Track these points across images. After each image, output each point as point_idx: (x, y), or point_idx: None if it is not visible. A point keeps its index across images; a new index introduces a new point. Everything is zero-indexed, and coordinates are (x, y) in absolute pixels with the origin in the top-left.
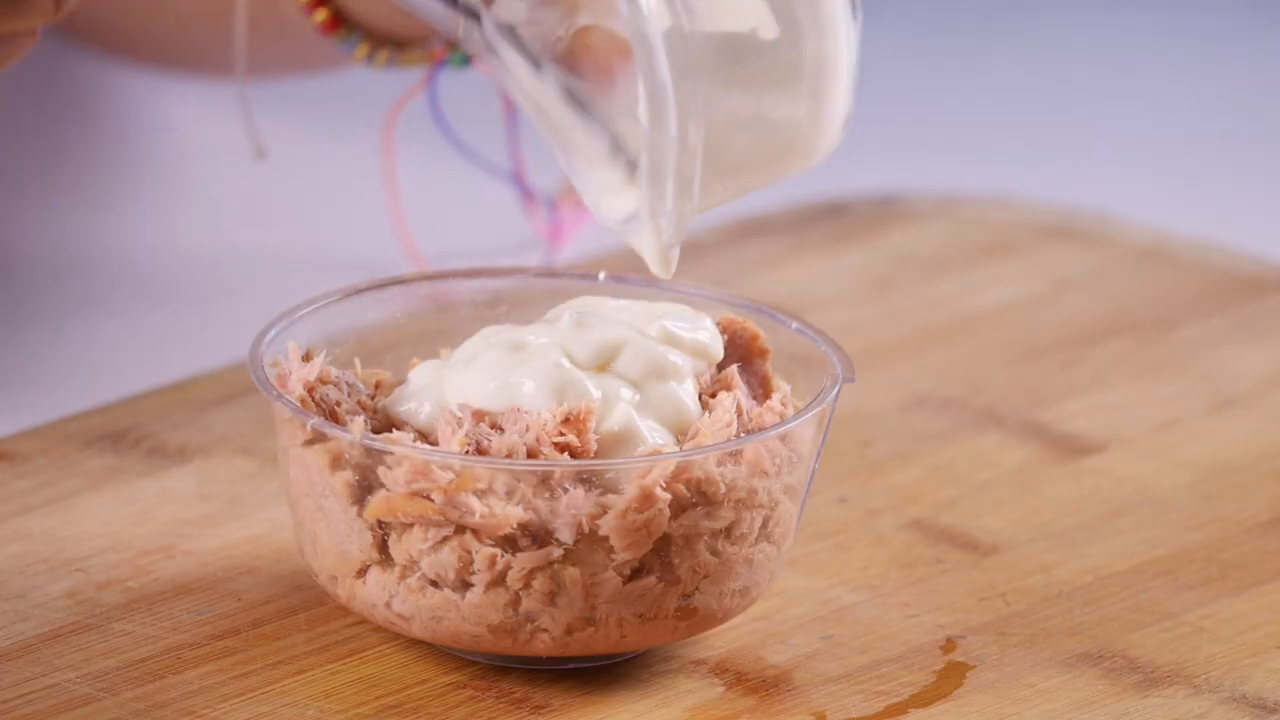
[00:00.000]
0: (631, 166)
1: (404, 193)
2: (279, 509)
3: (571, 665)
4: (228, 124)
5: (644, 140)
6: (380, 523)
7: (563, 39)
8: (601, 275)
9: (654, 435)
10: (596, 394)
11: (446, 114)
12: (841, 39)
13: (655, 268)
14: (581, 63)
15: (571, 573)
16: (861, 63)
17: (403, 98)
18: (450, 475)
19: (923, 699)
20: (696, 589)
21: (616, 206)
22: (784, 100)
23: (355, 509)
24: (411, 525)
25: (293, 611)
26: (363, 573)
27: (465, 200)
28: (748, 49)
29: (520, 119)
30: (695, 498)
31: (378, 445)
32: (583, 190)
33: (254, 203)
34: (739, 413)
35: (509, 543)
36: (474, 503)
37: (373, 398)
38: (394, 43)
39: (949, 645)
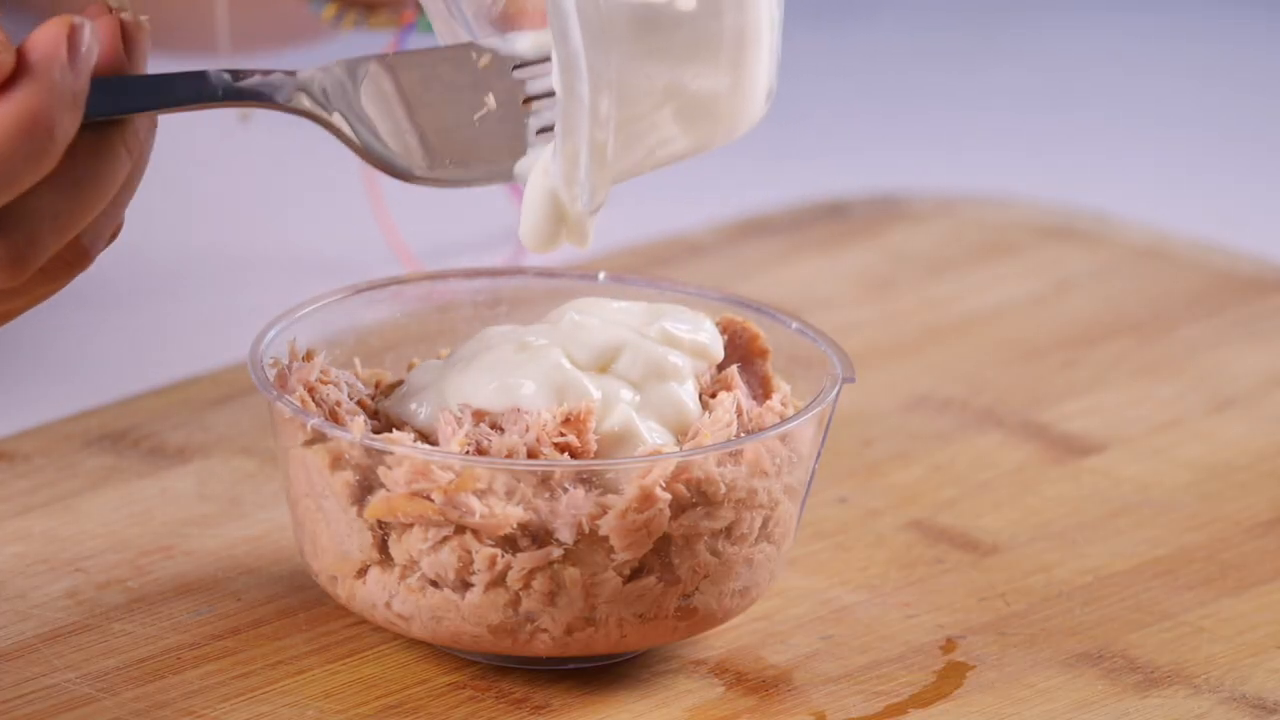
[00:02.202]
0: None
1: (384, 184)
2: (279, 509)
3: (571, 665)
4: (225, 123)
5: (557, 108)
6: (380, 523)
7: (498, 1)
8: (601, 275)
9: (654, 435)
10: (596, 394)
11: None
12: (763, 12)
13: (571, 237)
14: (518, 25)
15: (571, 573)
16: (784, 37)
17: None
18: (450, 475)
19: (923, 699)
20: (696, 589)
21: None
22: (702, 73)
23: (355, 509)
24: (411, 525)
25: (293, 611)
26: (363, 573)
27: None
28: (665, 19)
29: None
30: (695, 498)
31: (378, 445)
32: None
33: (249, 201)
34: (739, 413)
35: (509, 543)
36: (474, 503)
37: (373, 398)
38: (363, 4)
39: (949, 645)
